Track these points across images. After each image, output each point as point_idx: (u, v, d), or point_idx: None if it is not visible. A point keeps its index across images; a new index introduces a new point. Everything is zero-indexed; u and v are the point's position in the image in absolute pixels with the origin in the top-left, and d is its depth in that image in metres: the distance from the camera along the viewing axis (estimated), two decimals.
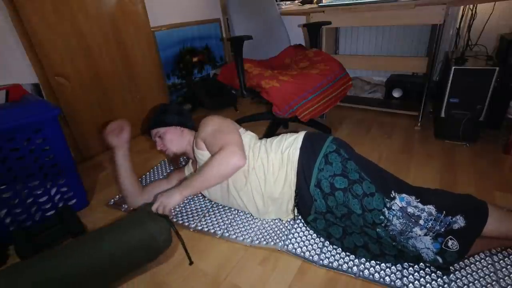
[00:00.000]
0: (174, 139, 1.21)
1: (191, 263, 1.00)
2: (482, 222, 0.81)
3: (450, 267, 0.87)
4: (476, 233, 0.81)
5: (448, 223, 0.81)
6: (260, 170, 1.05)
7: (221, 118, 1.15)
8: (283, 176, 1.02)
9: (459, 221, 0.81)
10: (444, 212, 0.82)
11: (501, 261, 0.89)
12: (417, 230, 0.82)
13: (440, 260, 0.81)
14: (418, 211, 0.83)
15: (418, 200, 0.85)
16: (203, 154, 1.11)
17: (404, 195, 0.86)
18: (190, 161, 1.30)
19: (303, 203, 1.01)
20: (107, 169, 1.68)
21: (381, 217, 0.85)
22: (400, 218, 0.83)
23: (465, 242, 0.80)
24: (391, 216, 0.84)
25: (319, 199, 0.95)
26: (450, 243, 0.80)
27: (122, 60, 1.88)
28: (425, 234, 0.82)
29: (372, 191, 0.87)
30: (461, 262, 0.89)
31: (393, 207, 0.84)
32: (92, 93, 1.75)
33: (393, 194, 0.86)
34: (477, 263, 0.89)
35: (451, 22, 1.95)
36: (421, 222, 0.82)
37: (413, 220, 0.82)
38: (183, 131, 1.24)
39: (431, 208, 0.83)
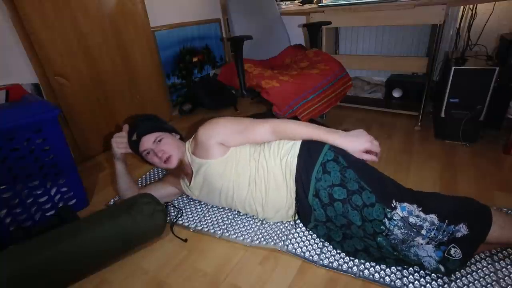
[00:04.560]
0: (175, 144, 1.13)
1: (185, 240, 1.09)
2: (485, 230, 0.79)
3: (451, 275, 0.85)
4: (479, 241, 0.80)
5: (451, 232, 0.79)
6: (260, 179, 1.03)
7: (227, 120, 1.07)
8: (284, 183, 1.00)
9: (462, 230, 0.78)
10: (446, 221, 0.79)
11: (501, 261, 0.89)
12: (419, 239, 0.80)
13: (442, 269, 0.80)
14: (420, 220, 0.80)
15: (420, 209, 0.82)
16: (200, 163, 1.07)
17: (405, 204, 0.83)
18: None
19: (303, 211, 1.00)
20: (107, 169, 1.68)
21: (382, 227, 0.83)
22: (401, 228, 0.81)
23: (468, 251, 0.78)
24: (392, 226, 0.82)
25: (318, 209, 0.93)
26: (452, 251, 0.78)
27: (122, 60, 1.88)
28: (427, 243, 0.80)
29: (372, 201, 0.85)
30: None
31: (394, 217, 0.82)
32: (92, 93, 1.75)
33: (394, 204, 0.83)
34: (477, 263, 0.89)
35: (451, 22, 1.95)
36: (423, 232, 0.80)
37: (414, 230, 0.80)
38: (179, 138, 1.21)
39: (433, 217, 0.80)
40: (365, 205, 0.85)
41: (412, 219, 0.81)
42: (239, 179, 1.05)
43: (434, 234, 0.79)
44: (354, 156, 0.94)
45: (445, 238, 0.79)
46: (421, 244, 0.80)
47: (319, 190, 0.92)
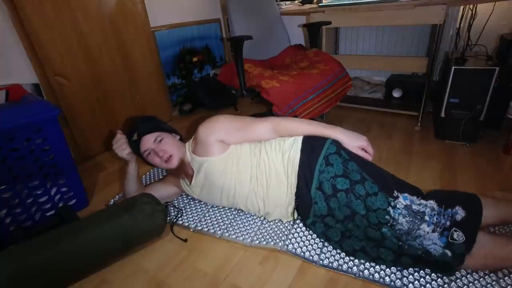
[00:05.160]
0: (176, 143, 1.14)
1: (185, 240, 1.09)
2: (479, 209, 0.83)
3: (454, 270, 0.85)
4: (478, 219, 0.83)
5: (450, 215, 0.82)
6: (261, 173, 1.04)
7: (227, 117, 1.07)
8: (285, 178, 1.01)
9: (460, 212, 0.82)
10: (443, 205, 0.84)
11: None
12: (424, 226, 0.82)
13: (449, 253, 0.80)
14: (422, 207, 0.84)
15: (420, 198, 0.86)
16: (200, 161, 1.07)
17: (406, 194, 0.87)
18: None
19: (303, 206, 1.00)
20: (107, 169, 1.68)
21: (387, 216, 0.85)
22: (406, 216, 0.83)
23: (470, 231, 0.80)
24: (397, 214, 0.84)
25: (320, 202, 0.94)
26: (455, 235, 0.80)
27: (122, 60, 1.87)
28: (433, 231, 0.82)
29: (375, 190, 0.87)
30: None
31: (397, 206, 0.85)
32: (92, 93, 1.75)
33: (396, 193, 0.87)
34: None
35: (451, 22, 1.95)
36: (427, 217, 0.82)
37: (419, 217, 0.83)
38: (179, 139, 1.21)
39: (432, 203, 0.85)
40: (368, 194, 0.87)
41: (415, 207, 0.84)
42: (240, 175, 1.05)
43: (437, 219, 0.82)
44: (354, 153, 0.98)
45: (448, 223, 0.81)
46: (427, 232, 0.82)
47: (322, 182, 0.93)
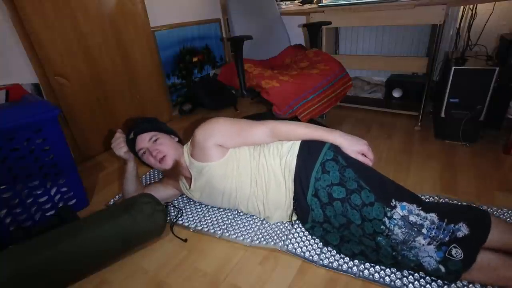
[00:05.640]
0: (172, 145, 1.14)
1: (185, 240, 1.09)
2: (486, 230, 0.79)
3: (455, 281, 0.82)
4: (481, 241, 0.78)
5: (451, 231, 0.78)
6: (261, 177, 1.03)
7: (226, 120, 1.05)
8: (283, 182, 1.01)
9: (463, 229, 0.78)
10: (446, 220, 0.79)
11: None
12: (420, 239, 0.79)
13: (443, 269, 0.78)
14: (420, 219, 0.81)
15: (420, 208, 0.82)
16: (200, 166, 1.05)
17: (405, 203, 0.83)
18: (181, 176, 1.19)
19: (301, 210, 1.00)
20: (107, 169, 1.68)
21: (382, 226, 0.83)
22: (402, 227, 0.81)
23: (469, 250, 0.77)
24: (392, 225, 0.82)
25: (317, 209, 0.93)
26: (453, 251, 0.77)
27: (122, 60, 1.88)
28: (429, 244, 0.79)
29: (371, 200, 0.85)
30: None
31: (394, 216, 0.82)
32: (92, 93, 1.75)
33: (394, 203, 0.84)
34: None
35: (451, 22, 1.95)
36: (424, 231, 0.79)
37: (415, 229, 0.80)
38: (177, 140, 1.21)
39: (433, 216, 0.81)
40: (364, 204, 0.85)
41: (412, 218, 0.81)
42: (241, 178, 1.05)
43: (435, 233, 0.79)
44: (353, 158, 0.94)
45: (447, 238, 0.78)
46: (423, 245, 0.79)
47: (318, 189, 0.92)
